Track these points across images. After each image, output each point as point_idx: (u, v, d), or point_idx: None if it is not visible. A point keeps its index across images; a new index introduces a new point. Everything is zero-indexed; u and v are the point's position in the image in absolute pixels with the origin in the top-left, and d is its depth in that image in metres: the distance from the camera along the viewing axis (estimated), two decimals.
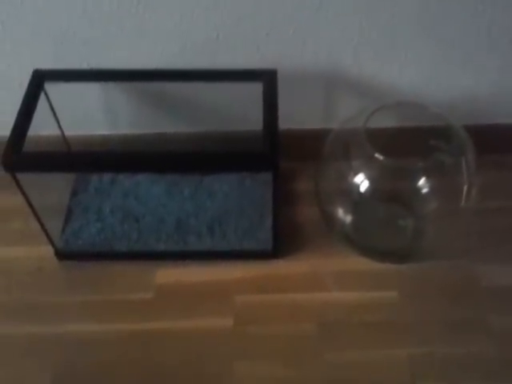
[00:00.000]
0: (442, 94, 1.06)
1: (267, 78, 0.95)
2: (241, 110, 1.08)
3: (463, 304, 0.98)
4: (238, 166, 0.92)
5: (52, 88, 0.98)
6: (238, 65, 0.98)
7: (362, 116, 0.93)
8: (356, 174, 0.97)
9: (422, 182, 0.97)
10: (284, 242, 1.04)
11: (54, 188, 1.06)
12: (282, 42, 0.98)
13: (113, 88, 1.06)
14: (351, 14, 0.95)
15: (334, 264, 1.03)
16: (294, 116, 1.07)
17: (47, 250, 1.02)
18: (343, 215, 1.04)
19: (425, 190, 0.98)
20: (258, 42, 0.98)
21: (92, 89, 1.05)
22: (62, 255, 1.03)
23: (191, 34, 0.97)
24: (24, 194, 0.89)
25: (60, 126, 1.06)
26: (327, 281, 1.01)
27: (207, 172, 1.11)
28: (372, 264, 1.02)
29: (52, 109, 1.02)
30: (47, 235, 0.98)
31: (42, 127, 0.95)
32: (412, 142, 0.95)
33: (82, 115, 1.09)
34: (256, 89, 0.94)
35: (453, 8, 0.94)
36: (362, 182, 0.97)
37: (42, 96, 0.97)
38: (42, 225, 0.96)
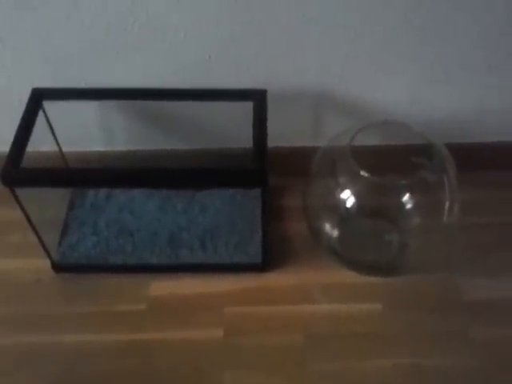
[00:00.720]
0: (426, 113, 1.09)
1: (257, 98, 0.97)
2: (232, 128, 1.10)
3: (446, 316, 1.00)
4: (228, 182, 0.93)
5: (50, 106, 1.00)
6: (229, 84, 1.00)
7: (348, 134, 0.95)
8: (342, 190, 1.00)
9: (406, 198, 1.00)
10: (273, 255, 1.06)
11: (51, 202, 1.08)
12: (272, 64, 1.01)
13: (109, 106, 1.08)
14: (337, 37, 0.97)
15: (322, 277, 1.05)
16: (284, 134, 1.09)
17: (45, 263, 1.04)
18: (330, 230, 1.06)
19: (409, 206, 1.00)
20: (248, 63, 1.01)
21: (89, 107, 1.07)
22: (58, 268, 1.04)
23: (184, 55, 1.00)
24: (22, 208, 0.91)
25: (58, 143, 1.08)
26: (315, 293, 1.04)
27: (199, 187, 1.13)
28: (358, 277, 1.04)
29: (50, 126, 1.03)
30: (44, 248, 1.00)
31: (40, 144, 0.97)
32: (396, 159, 0.97)
33: (79, 132, 1.11)
34: (247, 108, 0.96)
35: (435, 30, 0.97)
36: (348, 198, 0.99)
37: (41, 114, 0.98)
38: (39, 238, 0.98)
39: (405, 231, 1.07)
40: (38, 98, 0.98)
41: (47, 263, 1.04)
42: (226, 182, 0.93)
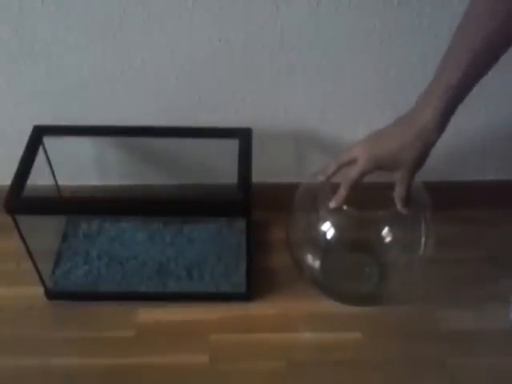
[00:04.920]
0: None
1: (243, 136, 1.01)
2: (219, 164, 1.13)
3: (423, 345, 1.02)
4: (214, 212, 0.97)
5: (50, 142, 1.04)
6: (217, 123, 1.03)
7: None
8: (323, 223, 1.01)
9: (384, 231, 1.02)
10: (257, 285, 1.09)
11: (45, 234, 1.11)
12: (257, 105, 1.05)
13: (104, 143, 1.11)
14: (318, 82, 1.03)
15: (304, 306, 1.07)
16: (268, 170, 1.11)
17: (37, 291, 1.06)
18: (312, 261, 1.06)
19: (387, 240, 1.02)
20: (235, 105, 1.05)
21: (85, 143, 1.10)
22: (51, 295, 1.07)
23: (176, 96, 1.04)
24: (22, 236, 0.95)
25: (54, 177, 1.12)
26: (297, 322, 1.05)
27: (186, 216, 1.16)
28: (339, 307, 1.06)
29: (48, 160, 1.08)
30: (39, 276, 1.03)
31: (37, 177, 0.98)
32: (374, 195, 1.01)
33: (74, 167, 1.14)
34: (233, 145, 1.00)
35: (408, 78, 1.02)
36: (328, 230, 1.00)
37: (41, 149, 1.02)
38: (35, 266, 1.01)
39: (384, 264, 1.09)
40: (38, 135, 1.02)
41: (39, 291, 1.06)
42: (212, 211, 0.97)
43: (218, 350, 1.01)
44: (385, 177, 0.99)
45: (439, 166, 1.15)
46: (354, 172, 0.85)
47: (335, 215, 1.00)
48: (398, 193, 0.85)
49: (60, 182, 1.14)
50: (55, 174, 1.12)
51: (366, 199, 0.94)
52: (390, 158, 0.81)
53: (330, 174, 0.89)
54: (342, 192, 0.87)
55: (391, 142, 0.80)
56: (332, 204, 0.89)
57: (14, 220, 0.93)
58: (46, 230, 1.10)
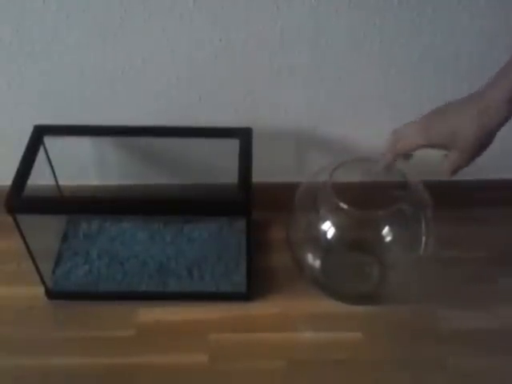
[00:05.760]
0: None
1: (243, 135, 1.01)
2: (219, 164, 1.13)
3: (423, 345, 1.02)
4: (214, 211, 0.97)
5: (50, 142, 1.04)
6: (217, 123, 1.03)
7: (329, 170, 0.97)
8: (323, 222, 1.01)
9: (385, 230, 1.02)
10: (258, 285, 1.08)
11: (46, 233, 1.11)
12: (257, 105, 1.05)
13: (104, 143, 1.11)
14: (318, 82, 1.03)
15: (305, 306, 1.07)
16: (268, 170, 1.11)
17: (38, 290, 1.06)
18: (313, 261, 1.07)
19: (388, 239, 1.02)
20: (235, 105, 1.05)
21: (85, 143, 1.10)
22: (52, 295, 1.07)
23: (176, 96, 1.04)
24: (22, 235, 0.95)
25: (55, 176, 1.12)
26: (297, 322, 1.05)
27: (187, 215, 1.16)
28: (340, 306, 1.06)
29: (49, 161, 1.07)
30: (40, 275, 1.03)
31: (38, 177, 0.98)
32: (375, 195, 1.00)
33: (75, 167, 1.14)
34: (233, 145, 1.00)
35: (408, 77, 1.03)
36: (328, 230, 1.01)
37: (41, 149, 1.02)
38: (36, 265, 1.01)
39: (384, 263, 1.09)
40: (39, 134, 1.02)
41: (40, 291, 1.07)
42: (212, 211, 0.97)
43: (217, 350, 1.01)
44: (385, 177, 1.01)
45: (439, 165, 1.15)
46: (406, 143, 0.79)
47: (335, 214, 1.00)
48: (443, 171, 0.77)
49: (60, 182, 1.14)
50: (56, 173, 1.12)
51: (366, 199, 0.95)
52: (446, 132, 0.72)
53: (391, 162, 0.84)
54: (390, 157, 0.82)
55: (452, 115, 0.72)
56: (380, 167, 0.85)
57: (15, 220, 0.93)
58: (46, 230, 1.10)
